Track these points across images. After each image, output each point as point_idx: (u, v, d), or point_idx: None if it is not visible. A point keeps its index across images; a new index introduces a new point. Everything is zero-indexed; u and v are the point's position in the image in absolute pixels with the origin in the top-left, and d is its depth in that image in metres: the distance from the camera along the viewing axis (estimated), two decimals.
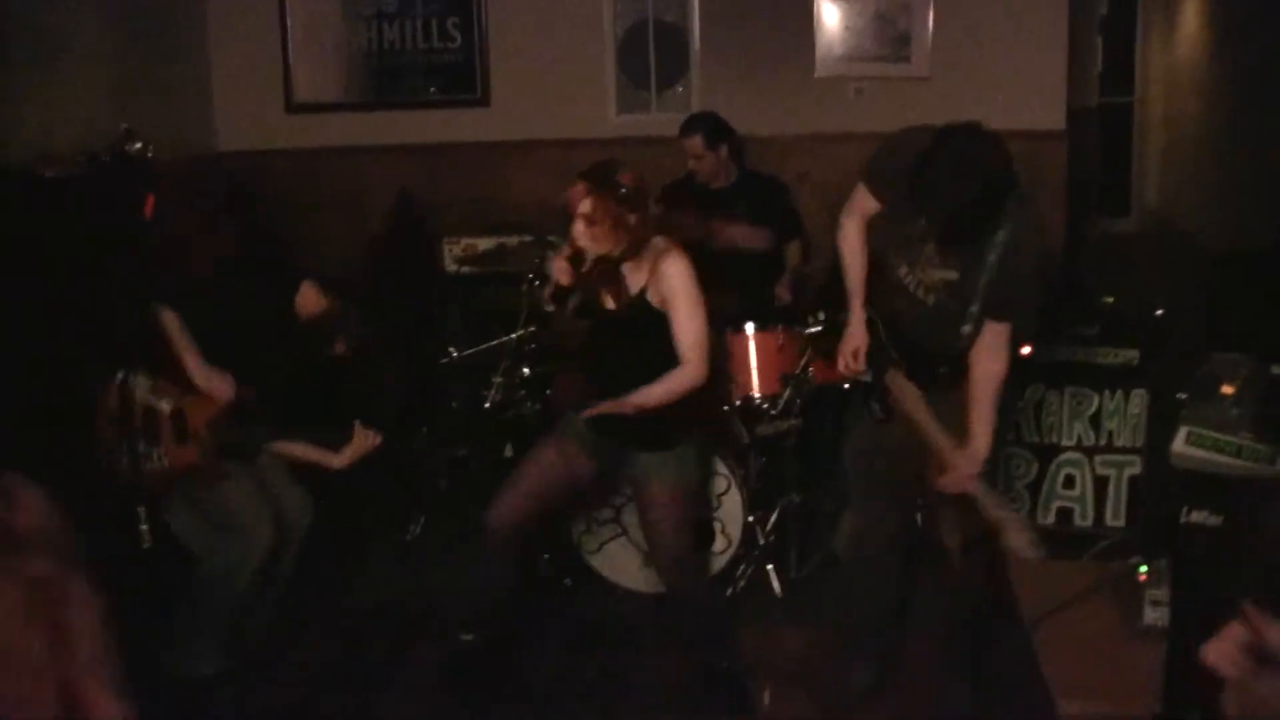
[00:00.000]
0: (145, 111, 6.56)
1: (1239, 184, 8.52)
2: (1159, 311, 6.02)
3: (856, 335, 4.42)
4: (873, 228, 4.45)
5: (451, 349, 6.16)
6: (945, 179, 3.80)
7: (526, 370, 5.85)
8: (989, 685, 4.47)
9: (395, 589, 5.57)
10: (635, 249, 4.26)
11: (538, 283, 5.59)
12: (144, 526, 4.22)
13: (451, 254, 7.16)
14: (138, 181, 4.26)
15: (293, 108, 8.00)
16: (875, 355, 4.39)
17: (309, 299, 4.72)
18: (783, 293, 6.33)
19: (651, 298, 4.26)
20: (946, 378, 4.21)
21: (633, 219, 4.21)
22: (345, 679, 4.84)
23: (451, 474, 6.21)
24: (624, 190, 4.21)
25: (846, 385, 5.46)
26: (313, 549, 5.25)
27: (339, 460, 4.61)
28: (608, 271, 4.29)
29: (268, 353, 4.58)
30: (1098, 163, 11.43)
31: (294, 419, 4.66)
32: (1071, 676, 3.20)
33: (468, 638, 4.70)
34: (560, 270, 4.30)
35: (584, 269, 4.26)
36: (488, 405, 5.92)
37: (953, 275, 4.12)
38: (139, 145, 4.54)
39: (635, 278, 4.30)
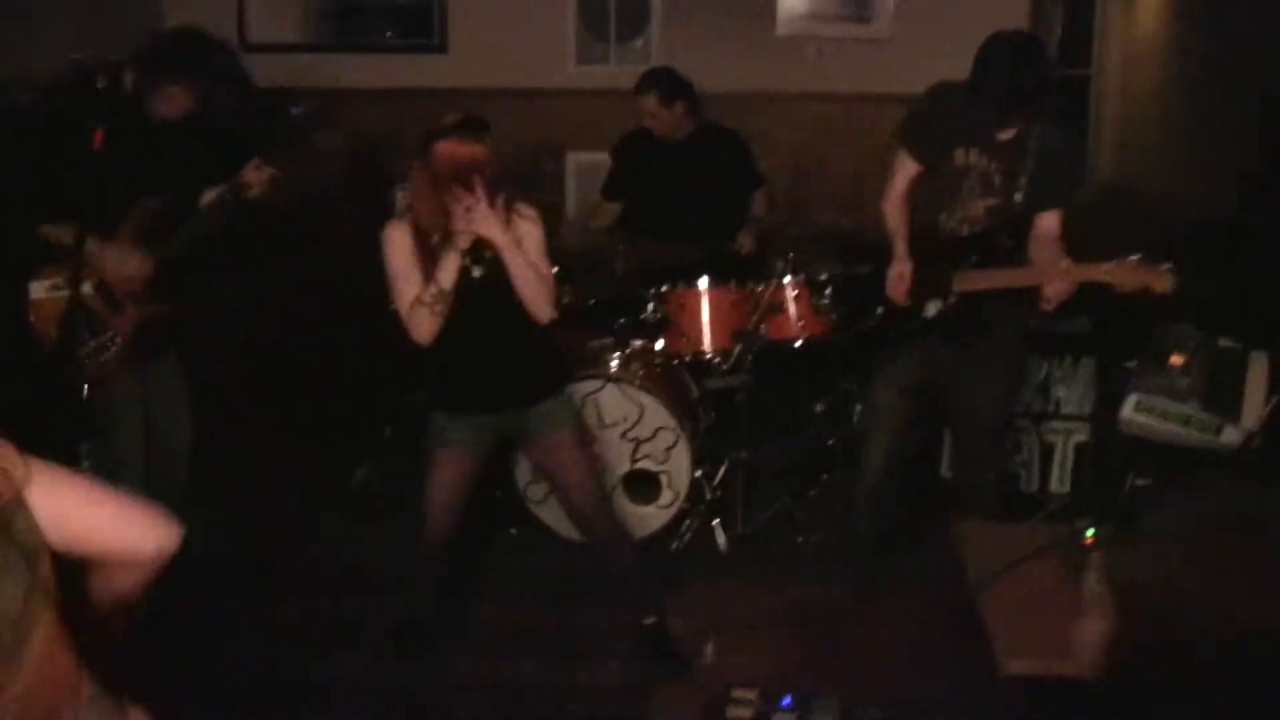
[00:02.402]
0: (97, 46, 6.46)
1: (1194, 157, 8.56)
2: None
3: (900, 263, 4.70)
4: (915, 203, 4.79)
5: None
6: (1005, 50, 4.30)
7: None
8: (933, 645, 4.50)
9: (342, 541, 5.51)
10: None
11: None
12: (85, 462, 4.18)
13: (405, 200, 7.08)
14: (88, 114, 4.18)
15: (246, 47, 7.88)
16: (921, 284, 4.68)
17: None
18: (746, 240, 6.29)
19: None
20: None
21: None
22: (294, 638, 4.76)
23: (399, 420, 6.17)
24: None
25: (798, 344, 5.50)
26: (266, 498, 5.25)
27: (254, 191, 4.64)
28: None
29: None
30: None
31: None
32: (1016, 637, 3.22)
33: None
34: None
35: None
36: None
37: (994, 201, 4.53)
38: (90, 77, 4.45)
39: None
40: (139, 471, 4.67)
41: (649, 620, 4.65)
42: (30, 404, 4.48)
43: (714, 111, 6.84)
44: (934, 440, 5.67)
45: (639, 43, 7.89)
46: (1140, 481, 4.95)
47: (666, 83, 6.35)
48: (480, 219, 4.00)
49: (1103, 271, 4.25)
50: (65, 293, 4.30)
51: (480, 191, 3.98)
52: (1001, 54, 4.29)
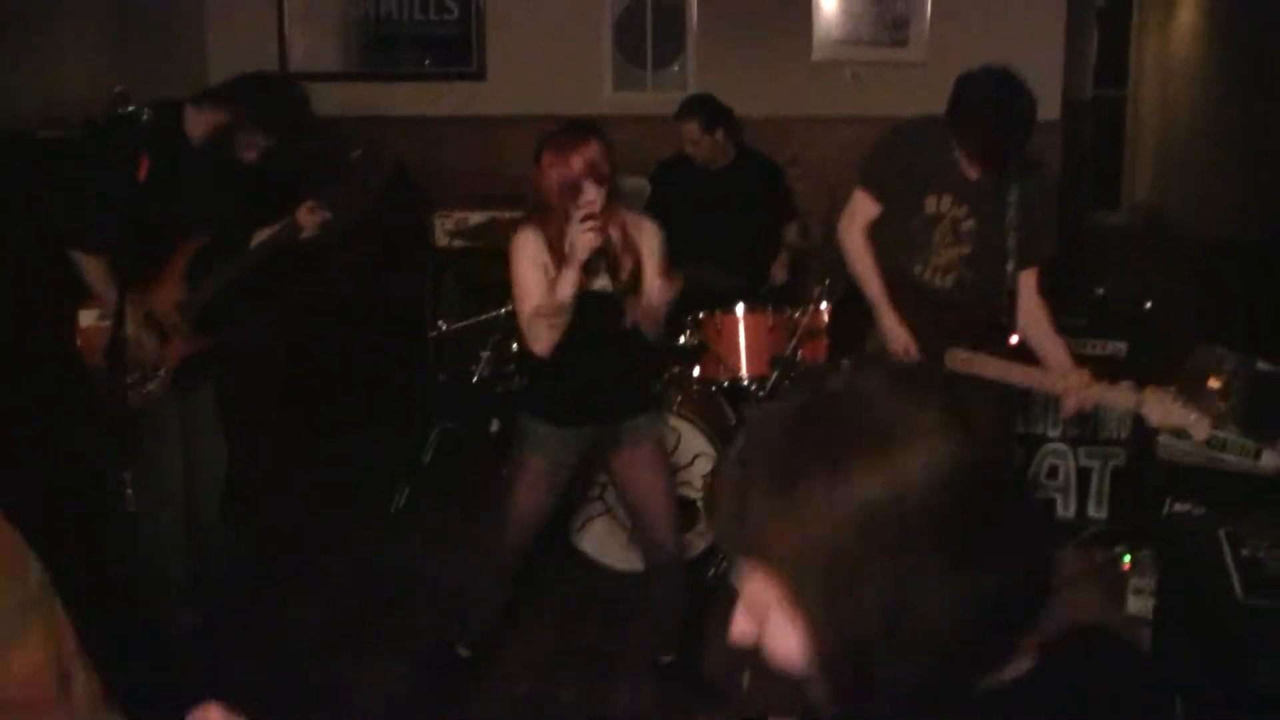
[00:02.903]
0: (140, 77, 6.54)
1: (1230, 178, 8.54)
2: (1148, 304, 6.04)
3: (899, 334, 4.48)
4: (876, 243, 4.58)
5: (441, 322, 6.16)
6: (989, 88, 4.07)
7: (515, 345, 5.84)
8: None
9: (378, 561, 5.56)
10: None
11: None
12: (129, 490, 4.21)
13: (444, 227, 7.14)
14: (132, 144, 4.22)
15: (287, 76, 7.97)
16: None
17: (194, 121, 4.56)
18: (779, 272, 6.33)
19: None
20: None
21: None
22: (329, 649, 4.82)
23: (438, 446, 6.21)
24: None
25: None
26: (299, 518, 5.31)
27: (307, 233, 4.64)
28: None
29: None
30: (1091, 155, 11.44)
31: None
32: None
33: (466, 654, 4.64)
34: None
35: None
36: (476, 379, 5.92)
37: (966, 249, 4.39)
38: (133, 108, 4.51)
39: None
40: (180, 500, 4.72)
41: (666, 659, 4.64)
42: (73, 429, 4.56)
43: (750, 135, 6.88)
44: None
45: (675, 68, 7.93)
46: (1180, 506, 4.94)
47: (707, 110, 6.39)
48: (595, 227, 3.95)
49: (1132, 401, 3.97)
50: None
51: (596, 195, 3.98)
52: (982, 89, 4.10)
